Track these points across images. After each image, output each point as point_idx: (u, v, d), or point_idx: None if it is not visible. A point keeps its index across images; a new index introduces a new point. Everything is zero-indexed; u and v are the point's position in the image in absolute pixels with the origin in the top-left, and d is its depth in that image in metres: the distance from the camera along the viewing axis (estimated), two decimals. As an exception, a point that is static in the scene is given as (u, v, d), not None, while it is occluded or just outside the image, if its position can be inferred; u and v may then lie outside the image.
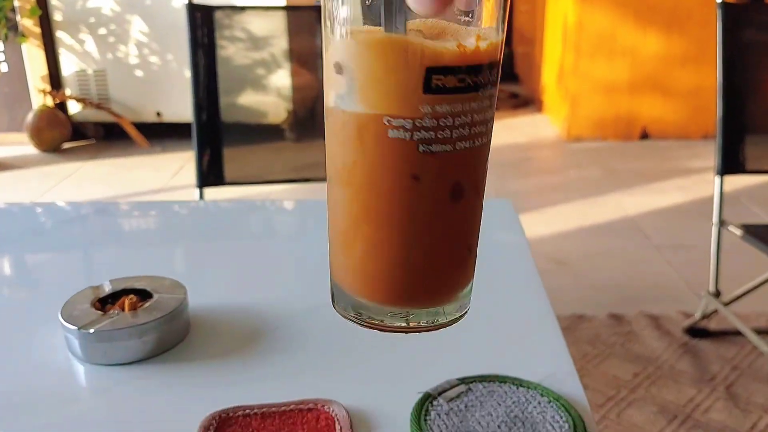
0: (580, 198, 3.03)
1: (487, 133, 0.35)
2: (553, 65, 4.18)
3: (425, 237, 0.36)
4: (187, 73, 1.63)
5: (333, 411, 0.53)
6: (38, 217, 1.04)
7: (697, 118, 3.78)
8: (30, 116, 3.81)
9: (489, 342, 0.65)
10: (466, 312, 0.40)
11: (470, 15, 0.33)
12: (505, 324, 0.68)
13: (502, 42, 0.34)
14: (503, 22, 0.34)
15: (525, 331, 0.67)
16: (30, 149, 3.87)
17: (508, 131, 4.13)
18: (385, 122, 0.33)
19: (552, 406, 0.53)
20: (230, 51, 1.66)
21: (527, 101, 4.74)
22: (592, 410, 1.57)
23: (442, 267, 0.37)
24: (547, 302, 0.71)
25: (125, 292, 0.66)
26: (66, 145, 3.95)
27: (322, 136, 0.37)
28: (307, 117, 1.80)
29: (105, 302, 0.65)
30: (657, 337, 1.90)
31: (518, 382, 0.56)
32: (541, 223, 2.75)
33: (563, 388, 0.56)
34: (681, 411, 1.57)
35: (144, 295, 0.66)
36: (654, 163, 3.51)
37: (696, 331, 1.90)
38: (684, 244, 2.51)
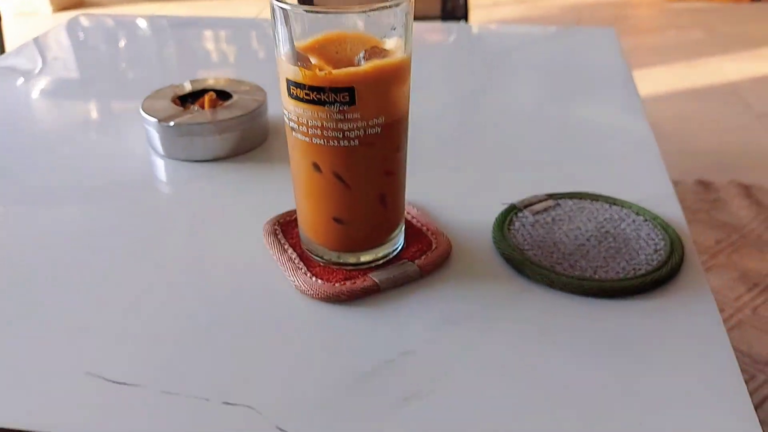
0: (678, 60, 2.83)
1: (347, 138, 0.41)
2: None
3: (304, 202, 0.46)
4: None
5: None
6: (125, 26, 1.02)
7: (821, -20, 3.40)
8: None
9: (583, 162, 0.61)
10: (396, 249, 0.48)
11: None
12: (601, 145, 0.64)
13: (366, 72, 0.40)
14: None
15: (622, 153, 0.62)
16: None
17: (605, -13, 3.83)
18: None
19: (648, 225, 0.50)
20: None
21: (629, -45, 4.36)
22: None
23: (355, 223, 0.45)
24: (646, 125, 0.66)
25: (205, 91, 0.64)
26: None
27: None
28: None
29: (185, 100, 0.64)
30: (746, 206, 1.81)
31: (612, 201, 0.53)
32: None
33: (661, 209, 0.52)
34: (762, 280, 1.52)
35: (224, 96, 0.64)
36: (764, 27, 3.21)
37: (790, 203, 1.79)
38: (788, 114, 2.34)
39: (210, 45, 0.98)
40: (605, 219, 0.51)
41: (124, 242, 0.52)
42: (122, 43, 0.98)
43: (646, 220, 0.50)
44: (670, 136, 2.23)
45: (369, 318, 0.43)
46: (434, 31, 1.02)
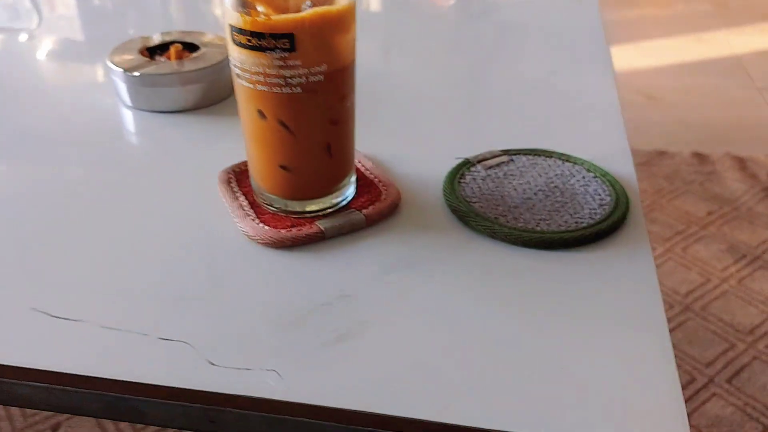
0: (684, 33, 2.80)
1: (289, 85, 0.42)
2: None
3: (252, 149, 0.47)
4: None
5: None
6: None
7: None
8: None
9: (543, 120, 0.61)
10: (344, 200, 0.48)
11: None
12: (564, 104, 0.64)
13: (304, 19, 0.40)
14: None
15: (584, 112, 0.63)
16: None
17: (616, -44, 3.77)
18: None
19: (597, 181, 0.50)
20: None
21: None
22: (658, 243, 1.53)
23: (301, 171, 0.46)
24: (613, 87, 0.66)
25: (174, 43, 0.65)
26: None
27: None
28: None
29: (154, 52, 0.64)
30: (740, 179, 1.80)
31: (565, 157, 0.53)
32: (637, 57, 2.57)
33: (614, 167, 0.52)
34: (751, 251, 1.52)
35: (192, 48, 0.64)
36: (775, 0, 3.16)
37: (785, 177, 1.79)
38: (791, 88, 2.31)
39: None
40: (556, 175, 0.51)
41: (82, 187, 0.53)
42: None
43: (595, 177, 0.51)
44: (670, 108, 2.22)
45: (312, 263, 0.44)
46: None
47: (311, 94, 0.43)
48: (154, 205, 0.50)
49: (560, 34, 0.83)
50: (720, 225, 1.61)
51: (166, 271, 0.44)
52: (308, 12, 0.41)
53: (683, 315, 1.36)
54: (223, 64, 0.62)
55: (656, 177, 1.82)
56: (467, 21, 0.89)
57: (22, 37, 0.82)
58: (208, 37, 0.66)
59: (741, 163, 1.87)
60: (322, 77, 0.42)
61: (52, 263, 0.45)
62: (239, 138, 0.53)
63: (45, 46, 0.81)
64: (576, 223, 0.46)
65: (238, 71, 0.43)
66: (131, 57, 0.62)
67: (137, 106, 0.61)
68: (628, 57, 2.54)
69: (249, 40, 0.41)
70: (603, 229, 0.45)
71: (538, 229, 0.45)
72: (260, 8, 0.42)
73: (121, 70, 0.60)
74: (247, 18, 0.41)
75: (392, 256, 0.45)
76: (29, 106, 0.64)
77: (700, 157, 1.90)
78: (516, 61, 0.76)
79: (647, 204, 1.70)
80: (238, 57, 0.43)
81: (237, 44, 0.42)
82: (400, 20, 0.90)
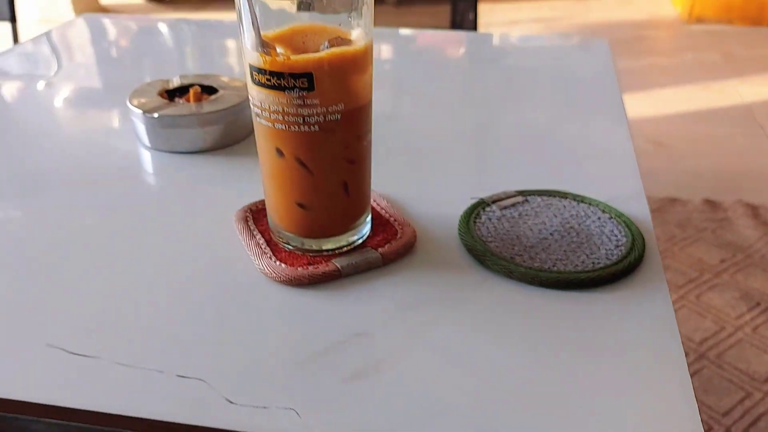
0: (692, 82, 2.82)
1: (307, 124, 0.43)
2: (683, -63, 3.79)
3: (270, 186, 0.47)
4: None
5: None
6: (116, 26, 1.05)
7: (841, 4, 3.38)
8: (137, -36, 3.83)
9: (557, 162, 0.62)
10: (360, 238, 0.49)
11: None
12: (578, 147, 0.65)
13: (322, 60, 0.41)
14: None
15: (598, 155, 0.63)
16: (137, -2, 3.93)
17: (623, 7, 3.84)
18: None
19: (612, 222, 0.50)
20: None
21: (648, -23, 4.37)
22: (672, 291, 1.52)
23: (318, 209, 0.47)
24: (626, 130, 0.66)
25: (193, 86, 0.66)
26: (171, -4, 3.98)
27: None
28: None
29: (173, 94, 0.65)
30: (752, 226, 1.79)
31: (580, 198, 0.53)
32: (646, 105, 2.59)
33: (629, 209, 0.53)
34: (765, 299, 1.50)
35: (211, 91, 0.66)
36: (782, 51, 3.19)
37: (798, 224, 1.78)
38: (801, 137, 2.32)
39: (208, 44, 1.00)
40: (571, 215, 0.51)
41: (100, 226, 0.53)
42: (124, 41, 1.00)
43: (611, 218, 0.51)
44: (680, 156, 2.23)
45: (328, 301, 0.44)
46: (433, 38, 1.04)
47: (329, 133, 0.43)
48: (172, 243, 0.51)
49: (574, 80, 0.84)
50: (733, 273, 1.60)
51: (184, 308, 0.44)
52: (327, 52, 0.41)
53: (698, 363, 1.34)
54: (241, 106, 0.63)
55: (668, 224, 1.81)
56: (483, 68, 0.90)
57: (41, 84, 0.83)
58: (227, 80, 0.67)
59: (753, 211, 1.86)
60: (339, 116, 0.43)
61: (69, 299, 0.45)
62: (257, 178, 0.54)
63: (63, 92, 0.82)
64: (593, 263, 0.46)
65: (257, 110, 0.44)
66: (151, 99, 0.63)
67: (156, 147, 0.62)
68: (637, 105, 2.56)
69: (268, 80, 0.42)
70: (620, 270, 0.45)
71: (555, 269, 0.45)
72: (279, 49, 0.42)
73: (141, 111, 0.61)
74: (267, 58, 0.41)
75: (408, 294, 0.45)
76: (50, 148, 0.65)
77: (711, 205, 1.89)
78: (530, 106, 0.77)
79: (659, 251, 1.69)
80: (257, 96, 0.43)
81: (256, 83, 0.43)
82: (416, 67, 0.91)
